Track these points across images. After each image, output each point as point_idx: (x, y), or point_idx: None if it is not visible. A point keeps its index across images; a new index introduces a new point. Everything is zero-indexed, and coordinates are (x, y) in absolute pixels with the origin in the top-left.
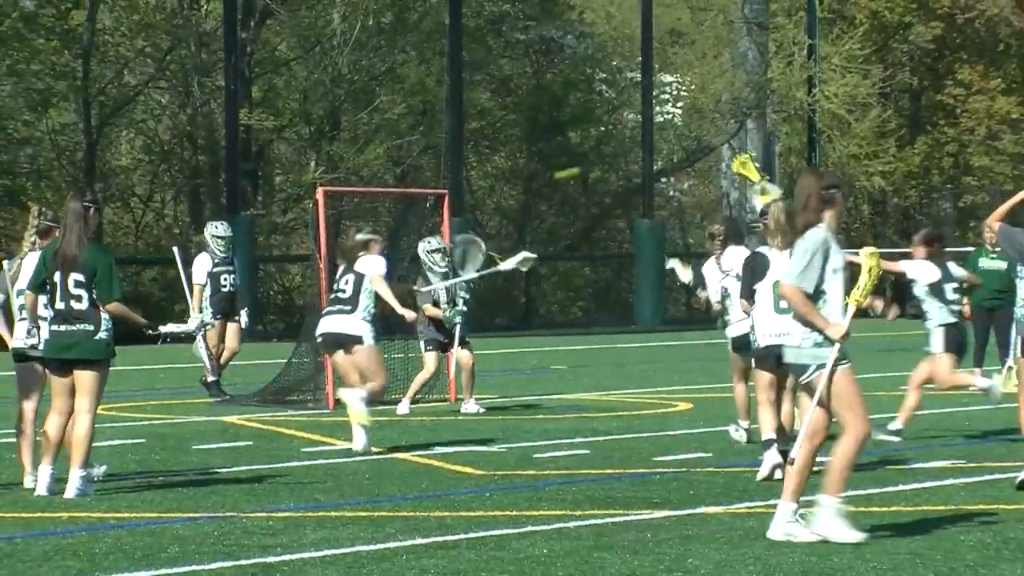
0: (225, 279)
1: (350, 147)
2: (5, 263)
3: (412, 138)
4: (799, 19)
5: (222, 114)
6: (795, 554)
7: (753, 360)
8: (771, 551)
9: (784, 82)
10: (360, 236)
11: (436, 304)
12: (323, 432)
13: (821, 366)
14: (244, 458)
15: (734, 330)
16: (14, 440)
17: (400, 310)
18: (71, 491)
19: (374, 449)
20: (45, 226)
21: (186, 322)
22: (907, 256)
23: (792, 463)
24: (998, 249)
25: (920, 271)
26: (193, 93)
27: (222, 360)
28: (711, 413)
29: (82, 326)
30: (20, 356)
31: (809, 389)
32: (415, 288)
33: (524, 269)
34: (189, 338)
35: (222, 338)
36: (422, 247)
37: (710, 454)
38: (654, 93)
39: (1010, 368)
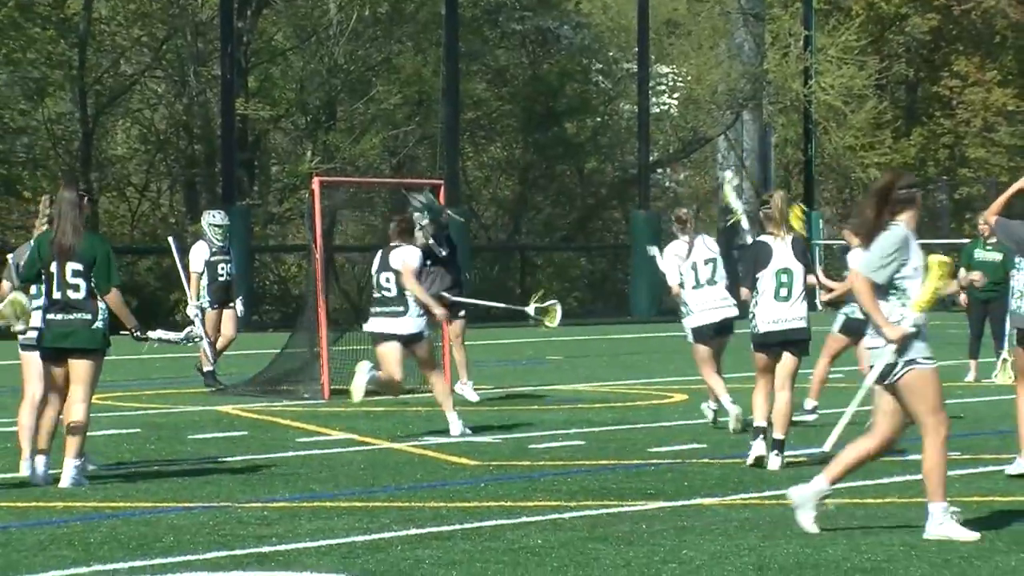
0: (222, 268)
1: (346, 137)
2: (10, 256)
3: (408, 128)
4: (795, 10)
5: (218, 104)
6: (790, 545)
7: (752, 345)
8: (766, 542)
9: (780, 73)
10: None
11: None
12: (318, 422)
13: (910, 362)
14: (239, 448)
15: (694, 320)
16: (13, 429)
17: (435, 309)
18: (66, 480)
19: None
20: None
21: (177, 331)
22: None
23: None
24: (993, 241)
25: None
26: (189, 82)
27: (218, 347)
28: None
29: (79, 315)
30: (28, 344)
31: (893, 391)
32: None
33: (547, 324)
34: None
35: (218, 326)
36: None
37: (705, 445)
38: (650, 84)
39: (1005, 360)
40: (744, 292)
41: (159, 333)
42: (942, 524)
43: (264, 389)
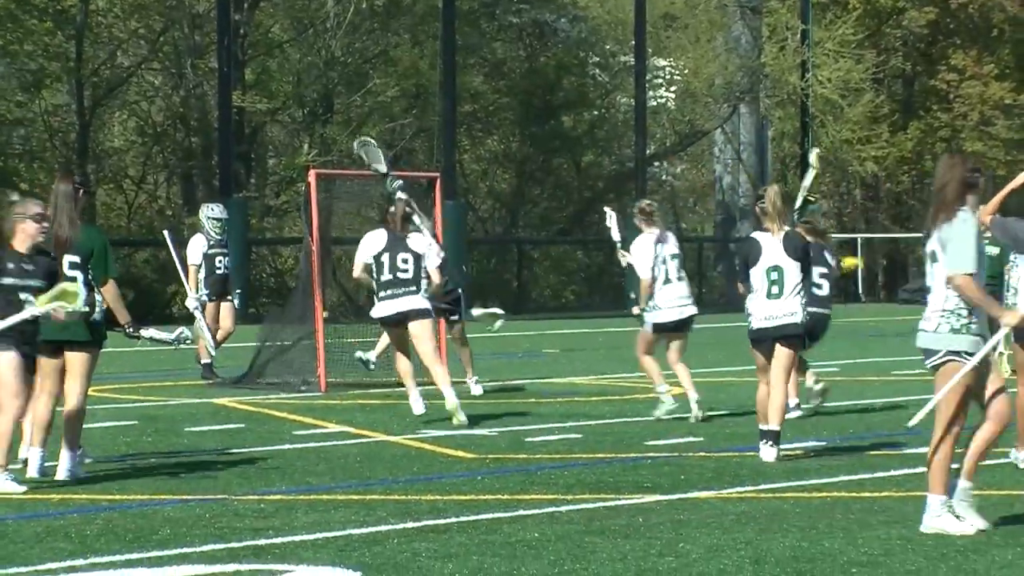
0: (219, 261)
1: (343, 130)
2: None
3: (405, 121)
4: (792, 3)
5: (215, 96)
6: (786, 539)
7: (749, 342)
8: (762, 536)
9: (777, 67)
10: (398, 208)
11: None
12: (315, 415)
13: (952, 352)
14: (236, 441)
15: (658, 316)
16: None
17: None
18: (62, 472)
19: (364, 432)
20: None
21: (169, 331)
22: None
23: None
24: (988, 235)
25: None
26: (186, 75)
27: (217, 339)
28: (703, 398)
29: None
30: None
31: (937, 373)
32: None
33: (488, 326)
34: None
35: (216, 319)
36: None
37: (701, 439)
38: (647, 77)
39: (1001, 354)
40: (740, 288)
41: (151, 332)
42: (939, 517)
43: (260, 382)
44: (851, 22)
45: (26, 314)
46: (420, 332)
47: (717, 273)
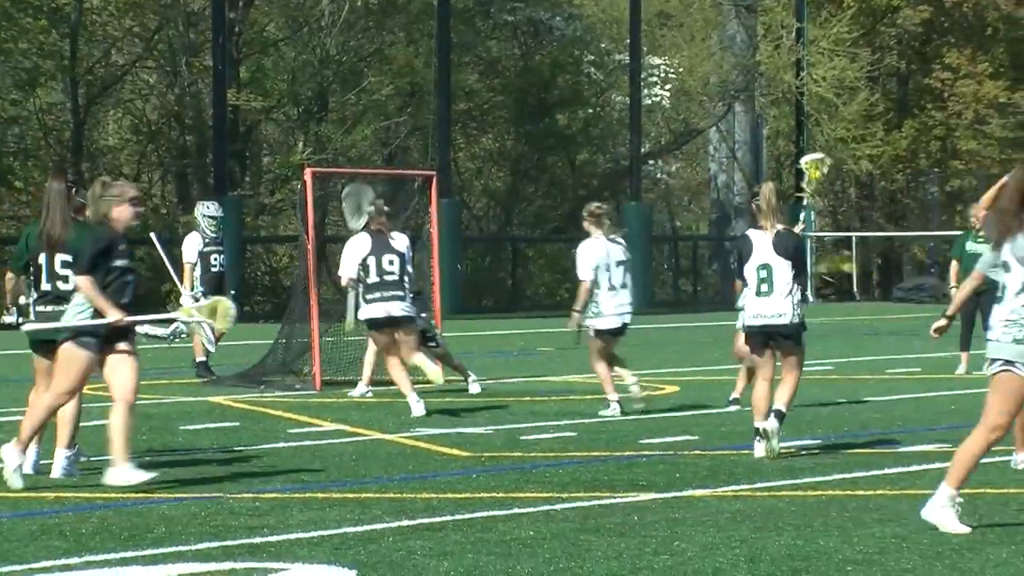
0: (215, 259)
1: (338, 128)
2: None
3: (400, 119)
4: (787, 2)
5: (210, 94)
6: (782, 537)
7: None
8: (758, 534)
9: (772, 65)
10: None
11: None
12: (310, 413)
13: (1008, 363)
14: (231, 439)
15: (602, 323)
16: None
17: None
18: (57, 471)
19: (359, 431)
20: (78, 203)
21: (165, 325)
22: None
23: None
24: (983, 234)
25: None
26: (181, 73)
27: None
28: (697, 396)
29: (68, 306)
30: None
31: (992, 380)
32: None
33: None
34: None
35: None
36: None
37: (696, 437)
38: (642, 75)
39: None
40: (737, 285)
41: (147, 328)
42: (943, 508)
43: (256, 380)
44: (846, 20)
45: (165, 316)
46: (408, 338)
47: (712, 271)
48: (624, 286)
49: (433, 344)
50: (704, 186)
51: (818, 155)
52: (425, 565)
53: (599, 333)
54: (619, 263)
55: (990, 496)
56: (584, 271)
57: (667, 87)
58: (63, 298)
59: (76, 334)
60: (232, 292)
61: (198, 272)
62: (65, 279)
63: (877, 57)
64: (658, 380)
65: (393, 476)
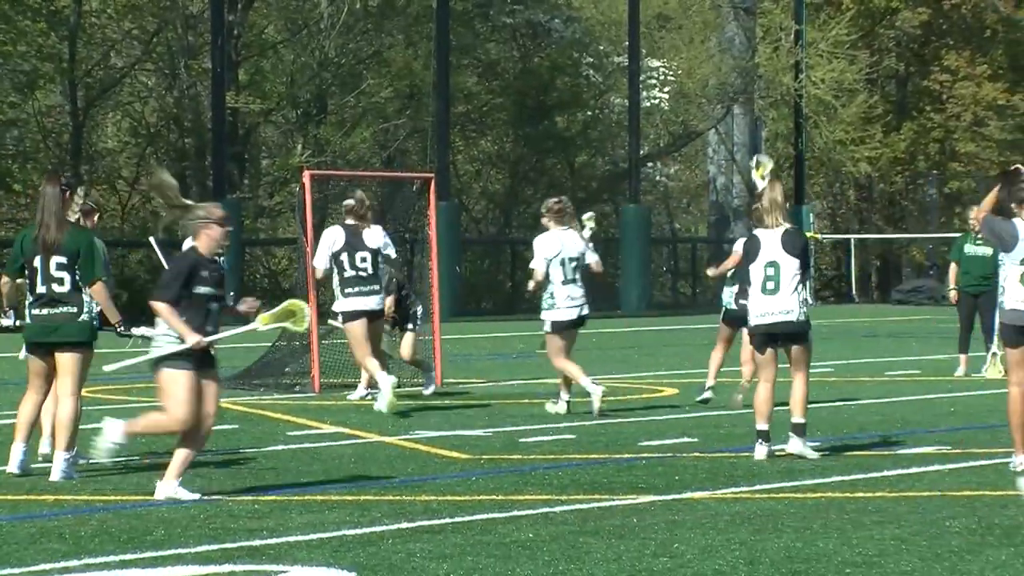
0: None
1: (337, 131)
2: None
3: (399, 122)
4: (786, 4)
5: (209, 97)
6: (781, 539)
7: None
8: (757, 536)
9: (771, 67)
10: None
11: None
12: (309, 416)
13: None
14: (230, 441)
15: (556, 315)
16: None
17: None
18: (56, 474)
19: (358, 433)
20: (88, 207)
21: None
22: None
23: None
24: (981, 236)
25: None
26: (180, 76)
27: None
28: (696, 398)
29: (64, 309)
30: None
31: None
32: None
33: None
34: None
35: None
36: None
37: (696, 439)
38: (641, 78)
39: (995, 354)
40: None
41: (143, 330)
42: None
43: (254, 382)
44: (844, 23)
45: (243, 330)
46: (380, 331)
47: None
48: (575, 280)
49: (410, 327)
50: (703, 188)
51: (765, 157)
52: (424, 567)
53: (555, 326)
54: (571, 259)
55: (989, 498)
56: (538, 262)
57: (666, 89)
58: (59, 300)
59: (164, 357)
60: (231, 294)
61: None
62: (60, 281)
63: (876, 59)
64: (657, 382)
65: (392, 479)
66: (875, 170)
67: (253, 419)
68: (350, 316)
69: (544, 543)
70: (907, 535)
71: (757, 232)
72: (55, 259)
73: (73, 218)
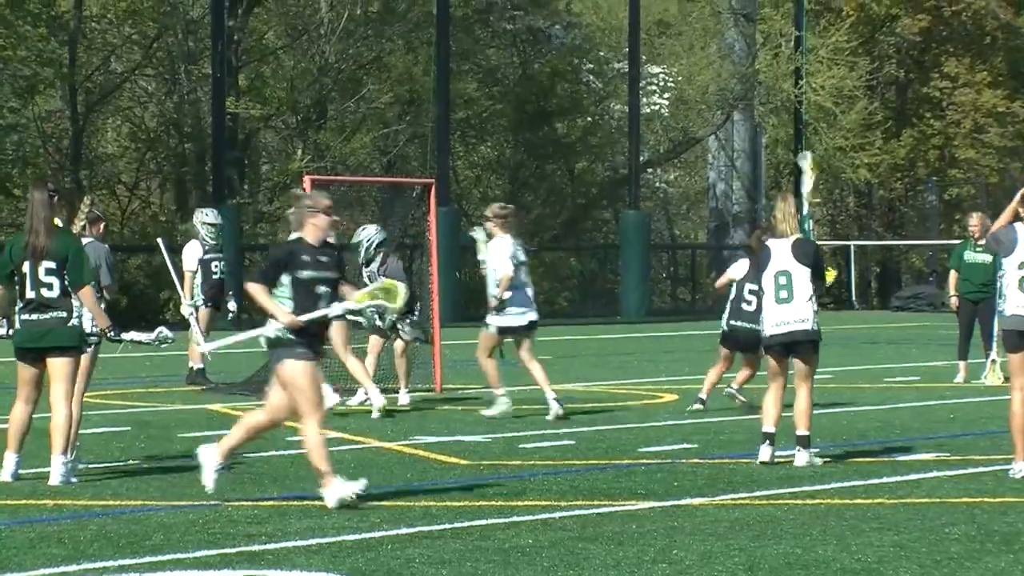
0: (215, 266)
1: (337, 136)
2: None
3: (399, 127)
4: (786, 11)
5: (209, 102)
6: (780, 545)
7: (762, 349)
8: (756, 542)
9: (771, 74)
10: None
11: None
12: None
13: None
14: None
15: (505, 320)
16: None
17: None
18: (55, 478)
19: (357, 439)
20: (94, 216)
21: (150, 331)
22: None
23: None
24: (983, 242)
25: (737, 270)
26: (180, 81)
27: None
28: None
29: (53, 314)
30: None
31: None
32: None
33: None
34: (184, 324)
35: (212, 325)
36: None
37: (695, 445)
38: (641, 84)
39: (994, 361)
40: (718, 283)
41: (132, 334)
42: None
43: (253, 388)
44: (844, 29)
45: (340, 309)
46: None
47: (710, 280)
48: (525, 284)
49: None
50: (703, 194)
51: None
52: (423, 573)
53: (502, 330)
54: (521, 263)
55: (988, 505)
56: (504, 264)
57: (666, 96)
58: (48, 306)
59: (282, 349)
60: (231, 292)
61: (199, 280)
62: (49, 287)
63: (876, 66)
64: (656, 388)
65: (391, 484)
66: (875, 177)
67: None
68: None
69: (543, 549)
70: (906, 542)
71: (769, 242)
72: (44, 264)
73: (79, 226)
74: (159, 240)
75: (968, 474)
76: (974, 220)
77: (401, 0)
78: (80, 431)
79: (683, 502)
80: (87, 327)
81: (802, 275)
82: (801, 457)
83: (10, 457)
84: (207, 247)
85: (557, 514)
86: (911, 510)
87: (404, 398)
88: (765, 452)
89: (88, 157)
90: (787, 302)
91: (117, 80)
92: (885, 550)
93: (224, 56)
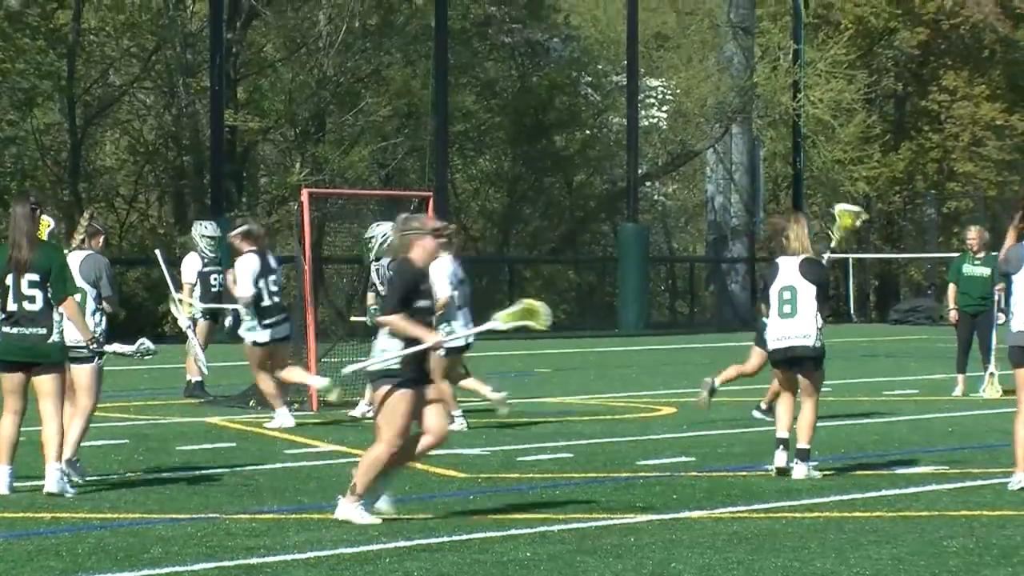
0: (214, 279)
1: (335, 149)
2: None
3: (397, 140)
4: (784, 24)
5: (207, 115)
6: (778, 559)
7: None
8: (754, 556)
9: (769, 87)
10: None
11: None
12: (306, 434)
13: None
14: (227, 459)
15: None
16: None
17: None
18: (51, 485)
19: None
20: (94, 229)
21: (131, 343)
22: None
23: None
24: (981, 255)
25: None
26: (178, 94)
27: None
28: (694, 417)
29: (34, 329)
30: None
31: None
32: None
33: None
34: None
35: (210, 338)
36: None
37: (693, 458)
38: (639, 97)
39: (992, 374)
40: (761, 309)
41: (114, 346)
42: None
43: (251, 401)
44: (843, 42)
45: (482, 329)
46: (287, 355)
47: (708, 293)
48: (465, 305)
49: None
50: (701, 208)
51: (855, 208)
52: None
53: (447, 350)
54: (461, 282)
55: (987, 518)
56: (443, 287)
57: (664, 108)
58: (30, 320)
59: (393, 378)
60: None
61: (198, 292)
62: (32, 299)
63: (874, 79)
64: (655, 401)
65: (390, 497)
66: (873, 190)
67: (250, 437)
68: (265, 345)
69: (541, 562)
70: (905, 555)
71: (778, 259)
72: (27, 277)
73: (78, 239)
74: (157, 251)
75: (966, 487)
76: (972, 233)
77: (399, 13)
78: (84, 443)
79: (681, 515)
80: (79, 339)
81: (807, 292)
82: (800, 470)
83: (3, 469)
84: (206, 260)
85: (555, 527)
86: (909, 523)
87: (459, 422)
88: (781, 458)
89: (87, 170)
90: (790, 317)
91: (115, 93)
92: (883, 563)
93: (222, 69)
